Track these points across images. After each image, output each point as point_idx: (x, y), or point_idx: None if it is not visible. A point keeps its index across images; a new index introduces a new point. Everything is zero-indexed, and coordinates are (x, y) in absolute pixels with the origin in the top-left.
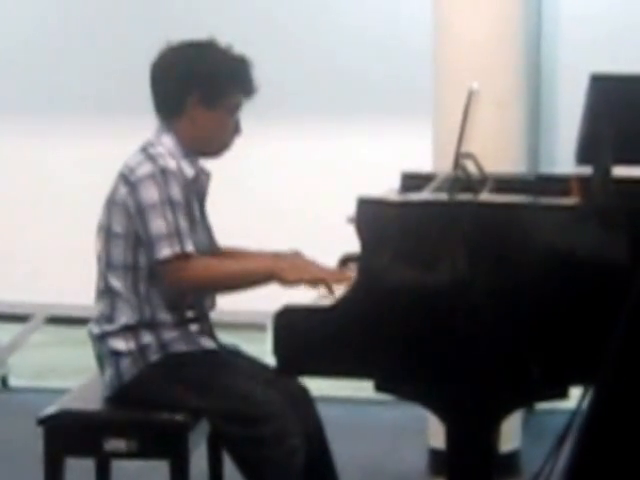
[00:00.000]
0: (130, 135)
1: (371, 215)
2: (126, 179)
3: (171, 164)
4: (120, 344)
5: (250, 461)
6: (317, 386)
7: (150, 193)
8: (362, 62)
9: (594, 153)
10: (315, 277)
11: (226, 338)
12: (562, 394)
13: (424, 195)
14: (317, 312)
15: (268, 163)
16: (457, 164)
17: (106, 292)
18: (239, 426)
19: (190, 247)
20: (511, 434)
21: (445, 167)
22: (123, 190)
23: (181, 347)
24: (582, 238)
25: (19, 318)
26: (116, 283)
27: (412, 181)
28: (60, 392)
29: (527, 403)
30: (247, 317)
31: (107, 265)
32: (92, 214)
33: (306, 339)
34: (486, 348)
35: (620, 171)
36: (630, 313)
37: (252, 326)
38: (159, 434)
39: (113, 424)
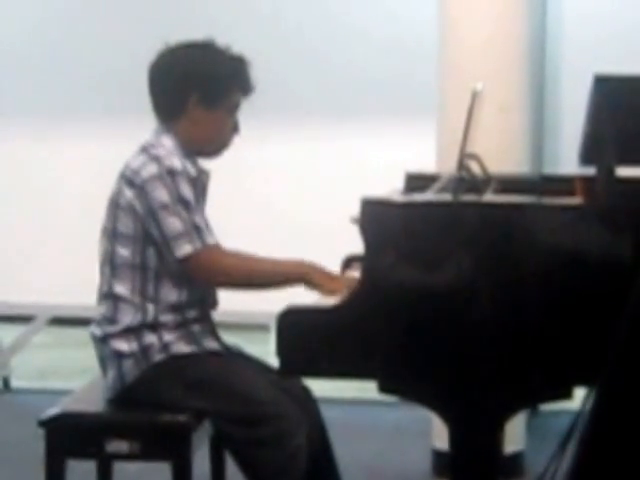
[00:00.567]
0: (133, 136)
1: (375, 216)
2: (130, 181)
3: (176, 163)
4: (122, 345)
5: (253, 462)
6: (320, 387)
7: (160, 194)
8: (365, 62)
9: (598, 153)
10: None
11: (229, 339)
12: (566, 395)
13: (428, 196)
14: (320, 313)
15: (271, 164)
16: (461, 165)
17: (109, 294)
18: (242, 427)
19: (212, 239)
20: (515, 435)
21: (449, 168)
22: (129, 193)
23: (184, 348)
24: (586, 238)
25: (21, 319)
26: (121, 285)
27: (416, 182)
28: (62, 393)
29: (531, 404)
30: (250, 318)
31: (112, 267)
32: (95, 215)
33: (309, 340)
34: (490, 349)
35: (624, 171)
36: (631, 313)
37: (255, 327)
38: (161, 435)
39: (115, 426)
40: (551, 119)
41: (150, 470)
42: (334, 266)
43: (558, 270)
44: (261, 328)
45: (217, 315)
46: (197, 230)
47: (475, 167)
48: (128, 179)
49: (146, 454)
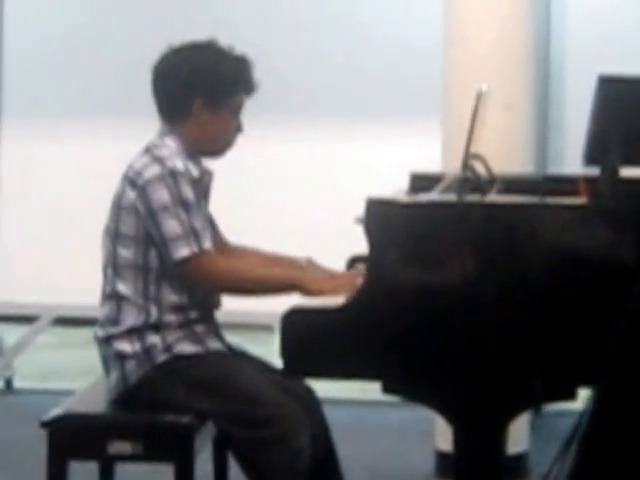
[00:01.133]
0: (136, 136)
1: (380, 216)
2: (133, 182)
3: (179, 165)
4: (125, 346)
5: (256, 463)
6: (324, 388)
7: (161, 195)
8: (370, 62)
9: (602, 154)
10: (337, 288)
11: (233, 339)
12: (570, 395)
13: (433, 196)
14: (324, 313)
15: (275, 163)
16: (466, 165)
17: (112, 295)
18: (245, 428)
19: (208, 244)
20: (519, 436)
21: (454, 168)
22: (131, 194)
23: (187, 348)
24: (590, 239)
25: (25, 319)
26: (123, 286)
27: (421, 182)
28: (65, 394)
29: (535, 405)
30: (254, 318)
31: (114, 268)
32: (98, 215)
33: (313, 340)
34: (494, 349)
35: (628, 172)
36: (632, 313)
37: (259, 327)
38: (164, 437)
39: (117, 427)
40: (555, 119)
41: (153, 471)
42: (338, 267)
43: (562, 270)
44: (265, 328)
45: (220, 315)
46: (195, 234)
47: (480, 167)
48: (131, 180)
49: (149, 455)
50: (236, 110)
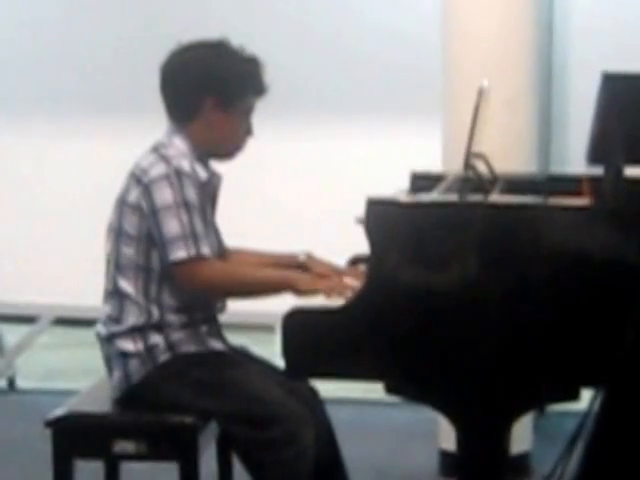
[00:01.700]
0: (138, 134)
1: (381, 216)
2: (139, 180)
3: (185, 166)
4: (128, 345)
5: (259, 463)
6: (327, 388)
7: (164, 194)
8: (370, 62)
9: (605, 153)
10: (329, 286)
11: (235, 339)
12: (573, 396)
13: (434, 196)
14: (326, 314)
15: (276, 163)
16: (467, 164)
17: (114, 293)
18: (248, 428)
19: (206, 250)
20: (522, 436)
21: (455, 167)
22: (136, 191)
23: (189, 348)
24: (593, 239)
25: (26, 319)
26: (125, 284)
27: (422, 181)
28: (68, 394)
29: (538, 405)
30: (256, 318)
31: (117, 266)
32: (99, 215)
33: (315, 341)
34: (497, 349)
35: (632, 171)
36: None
37: (261, 327)
38: (168, 436)
39: (122, 426)
40: (558, 118)
41: (157, 470)
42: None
43: (565, 271)
44: (267, 329)
45: (222, 316)
46: (194, 237)
47: (481, 167)
48: (136, 178)
49: (153, 454)
50: (246, 112)
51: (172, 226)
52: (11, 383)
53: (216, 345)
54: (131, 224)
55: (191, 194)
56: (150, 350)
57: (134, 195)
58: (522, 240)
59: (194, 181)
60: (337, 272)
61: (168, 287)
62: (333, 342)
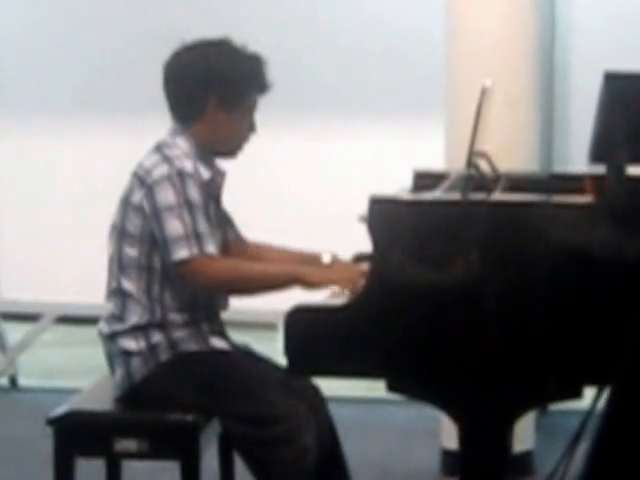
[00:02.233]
0: (142, 134)
1: (383, 214)
2: (142, 181)
3: (188, 166)
4: (130, 344)
5: (261, 461)
6: (329, 386)
7: (166, 195)
8: (375, 60)
9: (608, 151)
10: (338, 281)
11: (237, 337)
12: (576, 394)
13: (437, 194)
14: (328, 312)
15: (280, 162)
16: (470, 163)
17: (117, 292)
18: (250, 427)
19: (211, 248)
20: (524, 434)
21: (458, 166)
22: (139, 192)
23: (191, 346)
24: (596, 237)
25: (29, 317)
26: (128, 284)
27: (424, 180)
28: (70, 392)
29: (541, 403)
30: (258, 316)
31: (119, 266)
32: (102, 214)
33: (317, 339)
34: (499, 348)
35: (634, 170)
36: None
37: (263, 325)
38: (170, 434)
39: (123, 424)
40: (561, 117)
41: (159, 469)
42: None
43: (567, 268)
44: (268, 327)
45: (224, 314)
46: (197, 236)
47: (484, 165)
48: (140, 178)
49: (155, 453)
50: (250, 109)
51: (174, 226)
52: (13, 381)
53: (218, 343)
54: (134, 225)
55: (194, 194)
56: (152, 349)
57: (138, 196)
58: (525, 238)
59: (197, 181)
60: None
61: (170, 287)
62: (335, 340)
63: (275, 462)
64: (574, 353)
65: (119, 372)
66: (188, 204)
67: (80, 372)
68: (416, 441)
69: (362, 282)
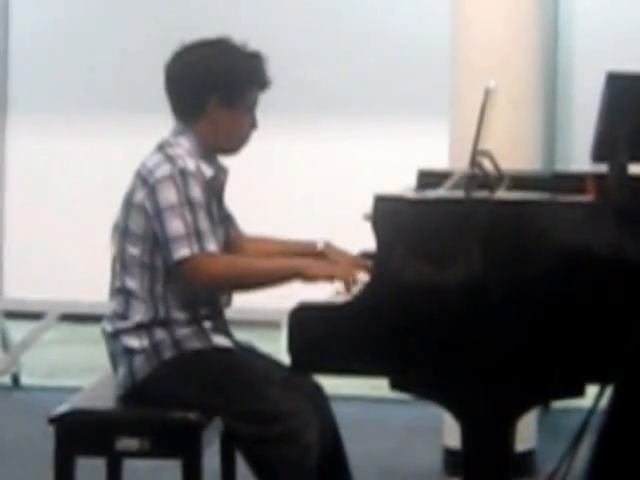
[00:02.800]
0: (145, 133)
1: (388, 212)
2: (145, 180)
3: (190, 164)
4: (134, 342)
5: (263, 460)
6: (332, 384)
7: (168, 194)
8: (379, 60)
9: (610, 151)
10: (337, 273)
11: (241, 336)
12: (578, 392)
13: (441, 193)
14: (332, 310)
15: (283, 162)
16: (474, 162)
17: (120, 291)
18: (253, 425)
19: (212, 246)
20: (526, 433)
21: (462, 165)
22: (142, 192)
23: (195, 344)
24: (598, 236)
25: (32, 316)
26: (131, 283)
27: (428, 178)
28: (72, 390)
29: (543, 401)
30: (262, 314)
31: (122, 265)
32: (106, 212)
33: (321, 337)
34: (502, 346)
35: (636, 169)
36: None
37: (267, 324)
38: (172, 433)
39: (125, 423)
40: (563, 116)
41: (160, 467)
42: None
43: (570, 267)
44: (272, 325)
45: (228, 312)
46: (198, 235)
47: (488, 164)
48: (143, 178)
49: (156, 451)
50: (251, 106)
51: (176, 225)
52: (16, 380)
53: (221, 341)
54: (137, 224)
55: (196, 193)
56: (155, 347)
57: (140, 196)
58: (527, 236)
59: (199, 179)
60: (355, 262)
61: (173, 285)
62: (339, 338)
63: (277, 460)
64: (576, 351)
65: (122, 370)
66: (190, 203)
67: (82, 370)
68: (418, 440)
69: (359, 274)
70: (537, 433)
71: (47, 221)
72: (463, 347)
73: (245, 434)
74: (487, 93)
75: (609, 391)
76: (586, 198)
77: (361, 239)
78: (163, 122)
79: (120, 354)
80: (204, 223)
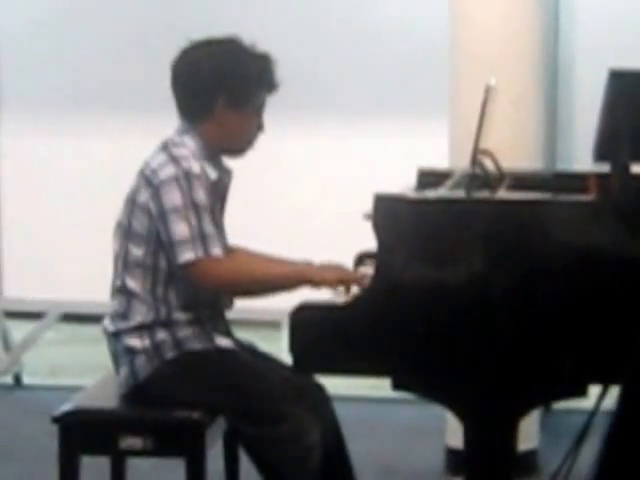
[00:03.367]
0: (146, 132)
1: (388, 212)
2: (149, 181)
3: (195, 167)
4: (135, 342)
5: (267, 460)
6: (334, 384)
7: (173, 196)
8: (378, 59)
9: (612, 150)
10: (347, 277)
11: (242, 336)
12: (581, 393)
13: (441, 192)
14: (333, 310)
15: (284, 161)
16: (474, 161)
17: (122, 290)
18: (255, 425)
19: (217, 250)
20: (529, 433)
21: (462, 164)
22: (146, 192)
23: (196, 345)
24: (600, 235)
25: (33, 315)
26: (133, 283)
27: (429, 178)
28: (74, 390)
29: (546, 402)
30: (263, 315)
31: (125, 264)
32: (106, 211)
33: (322, 337)
34: (504, 346)
35: (639, 168)
36: None
37: (268, 324)
38: (175, 432)
39: (128, 422)
40: (565, 115)
41: (164, 466)
42: (347, 263)
43: (571, 267)
44: (274, 325)
45: (228, 312)
46: (203, 238)
47: (488, 163)
48: (147, 178)
49: (159, 450)
50: (258, 109)
51: (180, 228)
52: (17, 379)
53: (223, 342)
54: (140, 224)
55: (200, 196)
56: (157, 347)
57: (144, 196)
58: (529, 236)
59: (204, 182)
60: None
61: (175, 286)
62: (340, 338)
63: (280, 460)
64: (578, 351)
65: (124, 370)
66: (194, 206)
67: (84, 370)
68: (421, 440)
69: (367, 278)
70: (539, 433)
71: (47, 220)
72: (465, 347)
73: (248, 434)
74: (488, 91)
75: (613, 391)
76: (588, 198)
77: (361, 239)
78: (167, 120)
79: (122, 354)
80: (209, 226)
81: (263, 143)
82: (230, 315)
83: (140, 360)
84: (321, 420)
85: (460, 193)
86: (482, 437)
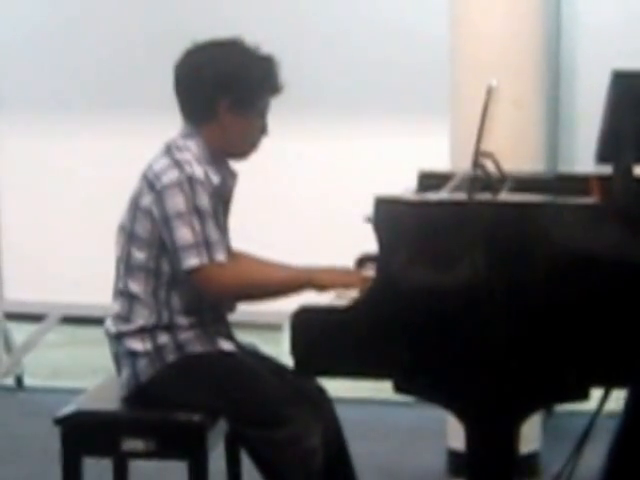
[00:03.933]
0: (149, 132)
1: (389, 214)
2: (151, 185)
3: (198, 172)
4: (137, 344)
5: (269, 462)
6: (335, 387)
7: (176, 201)
8: (379, 60)
9: (615, 151)
10: (351, 281)
11: (243, 338)
12: (583, 395)
13: (442, 194)
14: (334, 312)
15: (284, 163)
16: (476, 163)
17: (124, 293)
18: (257, 428)
19: (221, 256)
20: (531, 435)
21: (463, 166)
22: (148, 197)
23: (198, 348)
24: (602, 238)
25: (34, 317)
26: (135, 286)
27: (430, 180)
28: (75, 392)
29: (547, 404)
30: (264, 317)
31: (127, 267)
32: (108, 213)
33: (323, 339)
34: (505, 349)
35: None
36: None
37: (269, 326)
38: (177, 434)
39: (131, 424)
40: (567, 116)
41: (166, 468)
42: (348, 266)
43: (573, 269)
44: (275, 327)
45: (229, 315)
46: (207, 244)
47: (490, 165)
48: (149, 182)
49: (162, 452)
50: (262, 112)
51: (184, 233)
52: (19, 381)
53: (225, 345)
54: (143, 228)
55: (204, 201)
56: (158, 350)
57: (147, 200)
58: (530, 238)
59: (207, 187)
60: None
61: (177, 290)
62: (341, 340)
63: (282, 463)
64: (581, 354)
65: (125, 372)
66: (198, 211)
67: (85, 372)
68: (422, 442)
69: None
70: (541, 435)
71: (49, 222)
72: (466, 349)
73: (249, 437)
74: (489, 93)
75: (615, 394)
76: (590, 200)
77: (362, 241)
78: (169, 123)
79: (123, 356)
80: (213, 232)
81: (263, 144)
82: (231, 318)
83: (142, 362)
84: (323, 422)
85: (461, 195)
86: (484, 439)
